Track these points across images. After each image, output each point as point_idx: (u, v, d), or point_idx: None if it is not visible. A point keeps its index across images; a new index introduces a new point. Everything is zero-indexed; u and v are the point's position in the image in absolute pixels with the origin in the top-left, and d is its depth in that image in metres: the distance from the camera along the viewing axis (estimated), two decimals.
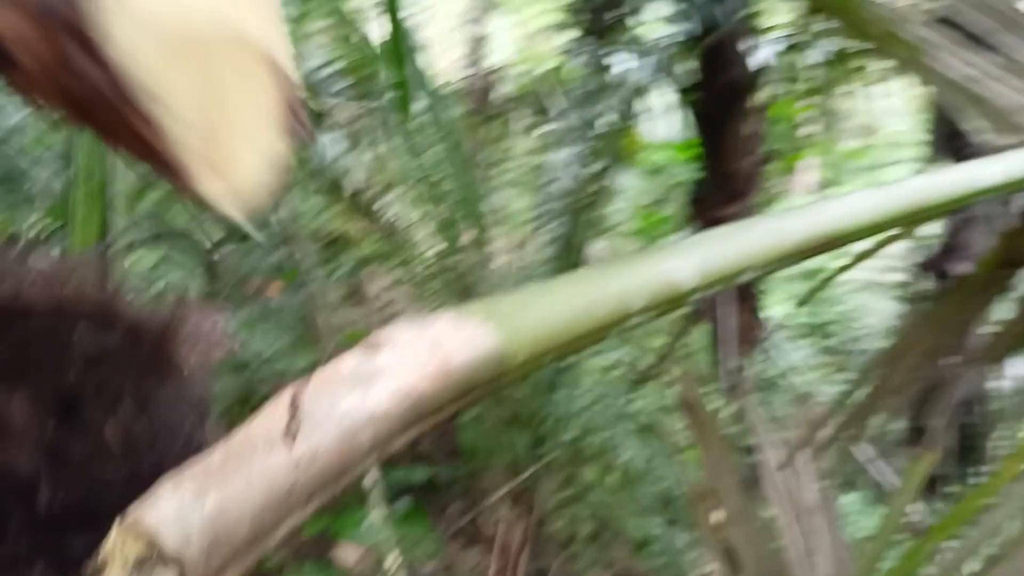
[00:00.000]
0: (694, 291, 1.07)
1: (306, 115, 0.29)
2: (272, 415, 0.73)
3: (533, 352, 0.89)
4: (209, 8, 0.25)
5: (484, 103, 4.09)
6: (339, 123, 3.82)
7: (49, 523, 0.70)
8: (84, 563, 0.66)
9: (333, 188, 3.77)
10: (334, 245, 3.74)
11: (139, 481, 0.69)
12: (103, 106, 0.22)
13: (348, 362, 0.80)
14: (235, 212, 0.27)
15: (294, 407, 0.73)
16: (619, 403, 3.62)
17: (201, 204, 0.26)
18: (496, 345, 0.85)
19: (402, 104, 1.01)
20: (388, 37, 0.95)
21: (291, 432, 0.73)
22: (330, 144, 3.90)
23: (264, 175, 0.28)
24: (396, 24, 0.88)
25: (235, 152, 0.27)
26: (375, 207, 3.85)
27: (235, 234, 3.14)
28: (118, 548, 0.61)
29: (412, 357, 0.82)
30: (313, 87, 3.61)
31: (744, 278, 1.11)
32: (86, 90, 0.21)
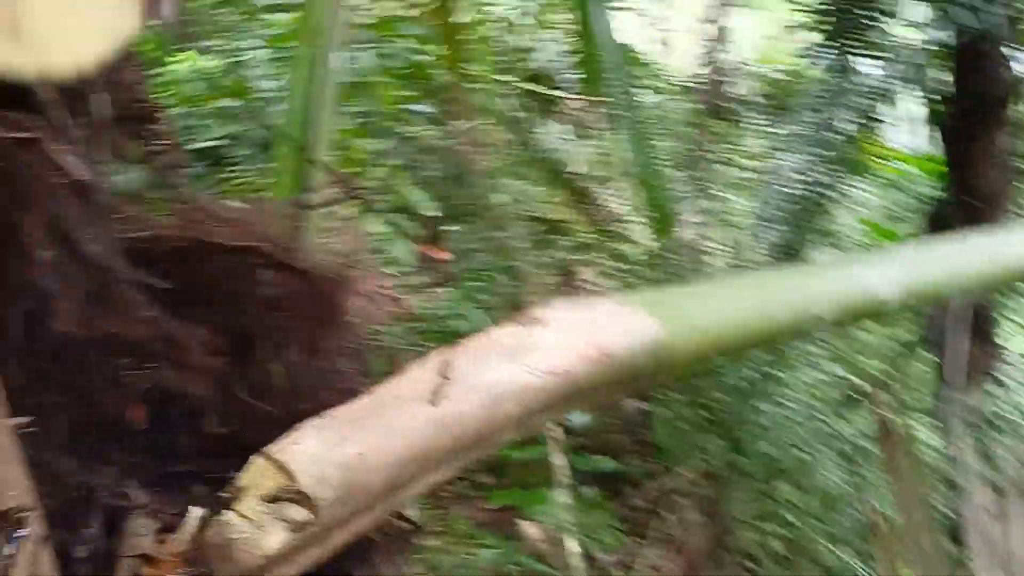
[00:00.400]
0: (895, 305, 0.97)
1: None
2: (422, 373, 0.73)
3: (697, 347, 0.84)
4: None
5: (717, 100, 3.97)
6: (568, 112, 3.84)
7: (212, 449, 0.74)
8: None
9: (554, 175, 3.78)
10: (549, 231, 3.76)
11: (296, 422, 0.72)
12: None
13: (503, 333, 0.79)
14: (33, 78, 0.25)
15: (445, 368, 0.73)
16: (825, 422, 3.40)
17: None
18: (657, 335, 0.81)
19: (592, 81, 0.98)
20: (579, 24, 0.92)
21: (438, 392, 0.73)
22: (556, 131, 3.91)
23: (92, 51, 0.26)
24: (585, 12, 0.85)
25: (47, 15, 0.25)
26: (593, 197, 3.84)
27: (456, 213, 3.24)
28: (256, 479, 0.63)
29: (568, 336, 0.79)
30: (546, 76, 3.65)
31: (956, 295, 0.99)
32: None
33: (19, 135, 0.56)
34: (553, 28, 3.71)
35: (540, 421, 0.76)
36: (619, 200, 3.74)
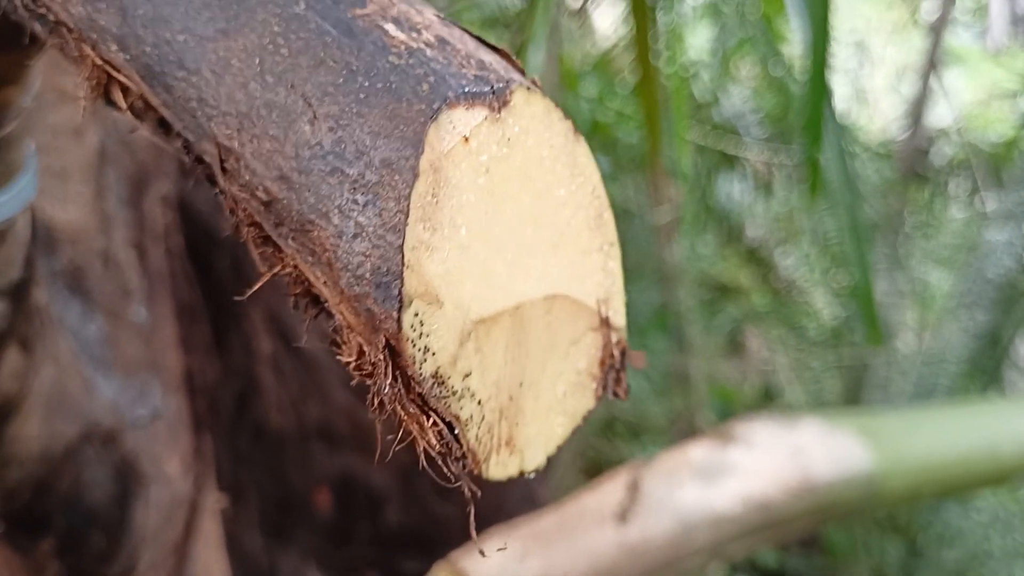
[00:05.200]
0: None
1: (625, 374, 0.29)
2: (609, 490, 0.73)
3: (913, 483, 0.80)
4: (539, 276, 0.25)
5: (919, 165, 3.80)
6: (751, 167, 3.78)
7: (389, 540, 0.77)
8: None
9: (731, 233, 3.72)
10: (720, 292, 3.70)
11: (475, 522, 0.74)
12: (394, 397, 0.23)
13: (697, 451, 0.78)
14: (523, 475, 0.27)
15: (633, 487, 0.73)
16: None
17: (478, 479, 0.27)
18: (869, 467, 0.78)
19: (813, 183, 0.96)
20: (806, 88, 0.90)
21: (625, 512, 0.73)
22: (736, 187, 3.86)
23: (559, 438, 0.28)
24: (817, 76, 0.84)
25: (532, 422, 0.27)
26: (772, 259, 3.75)
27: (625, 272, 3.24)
28: None
29: (768, 460, 0.77)
30: (729, 127, 3.61)
31: None
32: (381, 383, 0.23)
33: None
34: (740, 80, 3.68)
35: (732, 553, 0.75)
36: (800, 266, 3.64)
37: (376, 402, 0.24)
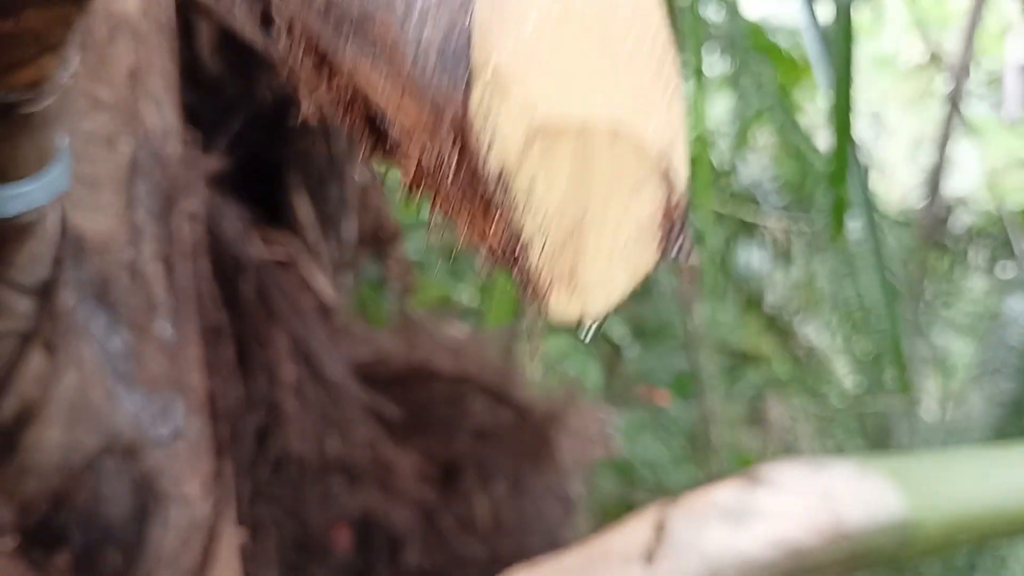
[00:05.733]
0: None
1: (688, 230, 0.28)
2: (634, 530, 0.71)
3: (947, 529, 0.77)
4: (603, 101, 0.24)
5: (938, 233, 3.79)
6: (770, 234, 3.78)
7: None
8: None
9: (751, 300, 3.70)
10: (741, 360, 3.66)
11: (496, 563, 0.71)
12: (459, 197, 0.22)
13: (724, 492, 0.75)
14: (580, 328, 0.26)
15: (659, 528, 0.71)
16: None
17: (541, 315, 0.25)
18: (901, 511, 0.75)
19: (836, 224, 0.96)
20: (832, 153, 0.91)
21: (651, 553, 0.70)
22: (755, 254, 3.85)
23: (620, 291, 0.27)
24: (842, 141, 0.84)
25: (594, 262, 0.26)
26: (793, 327, 3.72)
27: (641, 333, 3.23)
28: None
29: (797, 504, 0.75)
30: (747, 195, 3.62)
31: None
32: (445, 180, 0.22)
33: (281, 258, 0.61)
34: (758, 148, 3.70)
35: None
36: (820, 333, 3.61)
37: (439, 202, 0.23)
